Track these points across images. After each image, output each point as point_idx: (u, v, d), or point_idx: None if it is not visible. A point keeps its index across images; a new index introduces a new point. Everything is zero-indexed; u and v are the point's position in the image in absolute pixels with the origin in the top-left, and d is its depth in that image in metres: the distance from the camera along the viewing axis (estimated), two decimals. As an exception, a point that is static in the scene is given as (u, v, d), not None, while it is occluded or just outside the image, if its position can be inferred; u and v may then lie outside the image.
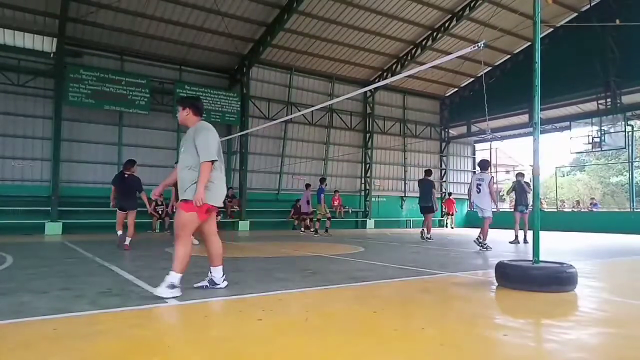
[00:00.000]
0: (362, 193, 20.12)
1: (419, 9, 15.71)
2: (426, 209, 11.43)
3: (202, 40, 15.20)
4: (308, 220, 15.15)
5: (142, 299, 3.60)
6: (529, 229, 10.15)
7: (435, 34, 16.82)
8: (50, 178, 13.49)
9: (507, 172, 43.73)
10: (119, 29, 14.04)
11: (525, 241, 10.45)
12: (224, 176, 4.06)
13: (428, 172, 12.22)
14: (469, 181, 23.51)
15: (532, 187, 4.83)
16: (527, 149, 38.25)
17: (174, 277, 3.61)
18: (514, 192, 11.05)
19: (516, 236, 10.58)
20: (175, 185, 4.68)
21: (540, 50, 4.47)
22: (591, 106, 17.25)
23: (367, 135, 19.86)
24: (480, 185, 8.39)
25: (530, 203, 10.42)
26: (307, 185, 15.28)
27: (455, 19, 16.16)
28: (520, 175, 11.32)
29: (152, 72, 15.51)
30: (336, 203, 18.13)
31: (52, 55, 13.57)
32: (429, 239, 10.98)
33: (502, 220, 11.74)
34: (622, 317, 3.31)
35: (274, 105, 17.53)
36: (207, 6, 13.63)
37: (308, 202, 14.86)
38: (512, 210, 11.09)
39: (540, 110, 4.56)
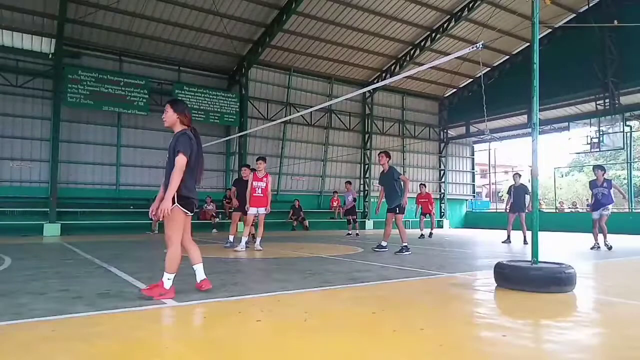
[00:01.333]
0: (361, 194, 20.13)
1: (417, 10, 15.74)
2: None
3: (200, 41, 15.20)
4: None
5: (140, 300, 3.59)
6: (527, 230, 10.14)
7: (434, 34, 16.85)
8: (49, 179, 13.47)
9: (506, 172, 43.78)
10: (118, 30, 14.04)
11: (525, 242, 10.42)
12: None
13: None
14: (464, 181, 23.74)
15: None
16: (525, 150, 38.33)
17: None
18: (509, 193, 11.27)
19: (508, 236, 10.71)
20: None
21: (538, 51, 4.48)
22: (590, 107, 17.29)
23: (366, 136, 19.88)
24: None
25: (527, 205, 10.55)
26: (349, 183, 14.83)
27: (453, 19, 16.19)
28: (517, 175, 11.26)
29: (151, 72, 15.51)
30: (335, 204, 18.17)
31: (50, 56, 13.57)
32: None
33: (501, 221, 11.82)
34: (621, 317, 3.31)
35: (272, 106, 17.54)
36: (206, 7, 13.64)
37: (354, 200, 14.48)
38: (509, 211, 10.93)
39: (539, 111, 4.57)
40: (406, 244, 7.61)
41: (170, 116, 3.78)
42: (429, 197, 13.86)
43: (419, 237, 12.78)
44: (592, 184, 9.19)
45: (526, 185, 10.94)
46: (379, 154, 8.23)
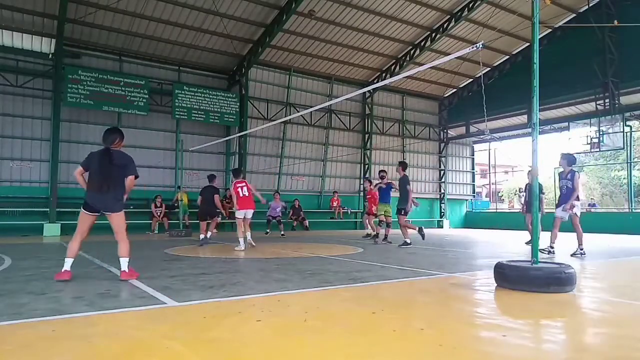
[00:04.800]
0: (361, 194, 20.11)
1: (417, 10, 15.74)
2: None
3: (200, 41, 15.20)
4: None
5: (140, 300, 3.60)
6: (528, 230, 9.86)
7: (434, 34, 16.85)
8: (49, 179, 13.47)
9: (506, 172, 43.76)
10: (118, 30, 14.04)
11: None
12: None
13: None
14: (464, 181, 23.67)
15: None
16: (525, 150, 38.26)
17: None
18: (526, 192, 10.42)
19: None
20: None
21: (538, 51, 4.48)
22: (590, 107, 17.29)
23: (366, 136, 19.87)
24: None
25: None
26: (277, 193, 15.28)
27: (453, 19, 16.19)
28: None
29: (151, 72, 15.51)
30: (335, 204, 18.20)
31: (50, 56, 13.57)
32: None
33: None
34: (621, 317, 3.31)
35: (272, 106, 17.54)
36: (206, 7, 13.64)
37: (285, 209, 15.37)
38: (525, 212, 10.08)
39: (539, 111, 4.57)
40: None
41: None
42: (374, 195, 12.00)
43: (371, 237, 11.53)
44: (560, 176, 7.88)
45: (541, 184, 9.80)
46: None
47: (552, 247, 7.59)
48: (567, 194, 7.50)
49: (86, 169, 4.86)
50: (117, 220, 4.82)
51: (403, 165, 9.85)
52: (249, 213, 8.54)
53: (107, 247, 8.82)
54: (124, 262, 4.66)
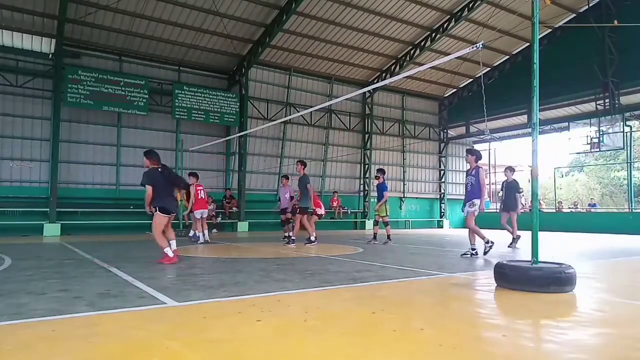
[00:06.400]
0: (361, 194, 20.13)
1: (417, 10, 15.74)
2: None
3: (201, 41, 15.20)
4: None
5: (141, 300, 3.60)
6: (518, 229, 9.35)
7: (434, 34, 16.85)
8: (49, 179, 13.47)
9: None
10: (118, 30, 14.03)
11: (510, 245, 9.33)
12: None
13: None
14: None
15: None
16: (525, 150, 38.22)
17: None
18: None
19: (514, 238, 9.40)
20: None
21: (538, 51, 4.48)
22: (590, 107, 17.30)
23: (366, 136, 19.88)
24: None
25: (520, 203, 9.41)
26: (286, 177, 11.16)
27: (453, 19, 16.19)
28: (509, 170, 9.89)
29: (151, 72, 15.51)
30: (335, 204, 18.20)
31: (50, 56, 13.57)
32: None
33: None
34: (621, 317, 3.31)
35: (272, 106, 17.54)
36: (206, 7, 13.63)
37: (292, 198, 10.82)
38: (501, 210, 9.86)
39: (539, 111, 4.57)
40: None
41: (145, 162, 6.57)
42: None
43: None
44: (466, 173, 7.60)
45: (517, 182, 9.78)
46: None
47: (473, 249, 7.25)
48: (471, 191, 7.30)
49: (154, 186, 6.29)
50: (172, 217, 6.55)
51: (303, 164, 9.65)
52: (205, 212, 10.13)
53: (108, 247, 8.85)
54: (174, 243, 6.35)
